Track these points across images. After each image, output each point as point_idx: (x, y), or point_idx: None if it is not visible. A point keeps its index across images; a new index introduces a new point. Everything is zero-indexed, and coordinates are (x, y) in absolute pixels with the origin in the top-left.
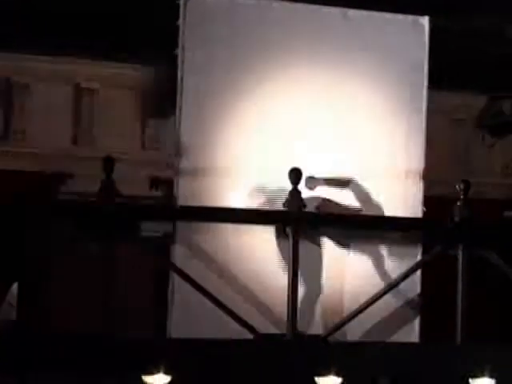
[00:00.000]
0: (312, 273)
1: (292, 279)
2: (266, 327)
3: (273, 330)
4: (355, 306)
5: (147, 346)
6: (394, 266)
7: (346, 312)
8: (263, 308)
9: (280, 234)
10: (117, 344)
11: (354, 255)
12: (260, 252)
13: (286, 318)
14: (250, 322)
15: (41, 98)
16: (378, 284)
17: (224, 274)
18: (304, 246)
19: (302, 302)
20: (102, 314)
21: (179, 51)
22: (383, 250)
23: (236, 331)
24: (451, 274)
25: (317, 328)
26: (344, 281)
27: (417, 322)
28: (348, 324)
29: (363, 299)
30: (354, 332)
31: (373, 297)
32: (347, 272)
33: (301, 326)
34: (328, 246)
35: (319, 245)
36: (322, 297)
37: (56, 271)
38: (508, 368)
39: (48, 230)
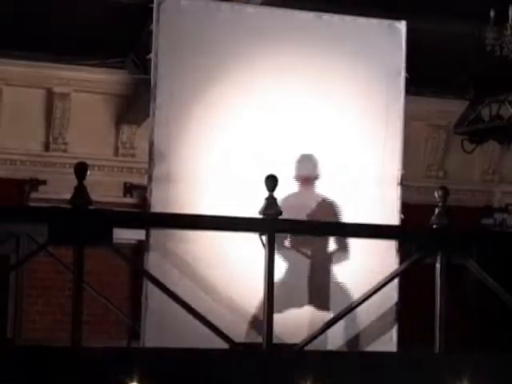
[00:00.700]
0: (296, 280)
1: (268, 288)
2: (244, 335)
3: (251, 339)
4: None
5: (120, 355)
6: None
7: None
8: (241, 316)
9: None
10: (87, 354)
11: (338, 263)
12: (235, 259)
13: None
14: (228, 330)
15: (13, 103)
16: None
17: (199, 281)
18: (288, 254)
19: (286, 311)
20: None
21: (152, 56)
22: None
23: (212, 340)
24: (429, 282)
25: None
26: (330, 290)
27: (394, 331)
28: (327, 334)
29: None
30: (334, 342)
31: (348, 306)
32: (332, 281)
33: (286, 335)
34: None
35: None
36: (306, 306)
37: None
38: (487, 377)
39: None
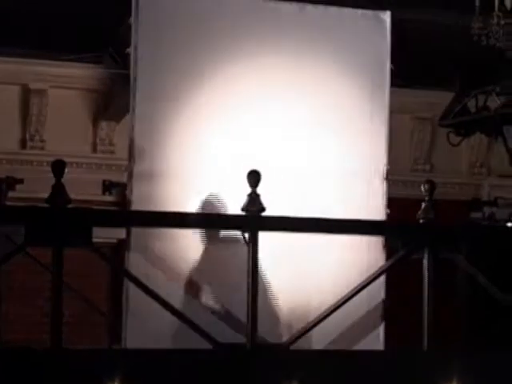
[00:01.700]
0: (279, 279)
1: (252, 286)
2: (228, 336)
3: (236, 339)
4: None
5: (101, 356)
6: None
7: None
8: (225, 316)
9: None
10: (67, 356)
11: (321, 259)
12: (220, 258)
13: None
14: (211, 330)
15: None
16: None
17: (182, 281)
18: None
19: (267, 310)
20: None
21: (132, 50)
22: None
23: (195, 340)
24: (416, 279)
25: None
26: (315, 287)
27: (381, 329)
28: (313, 332)
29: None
30: (318, 341)
31: (335, 304)
32: (318, 277)
33: (269, 335)
34: (295, 250)
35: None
36: (289, 304)
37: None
38: (476, 375)
39: None
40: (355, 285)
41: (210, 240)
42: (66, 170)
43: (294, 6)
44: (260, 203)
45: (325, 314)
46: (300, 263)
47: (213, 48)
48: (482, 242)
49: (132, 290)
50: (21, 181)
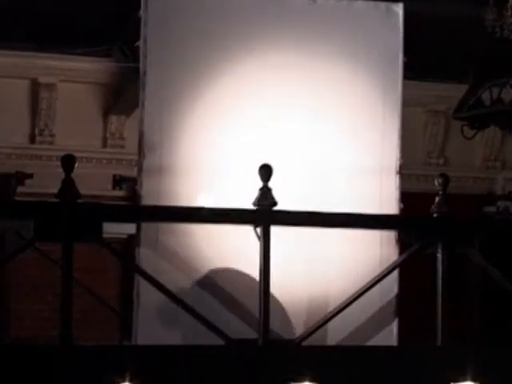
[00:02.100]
0: (293, 274)
1: (264, 282)
2: (242, 332)
3: (250, 335)
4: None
5: (111, 353)
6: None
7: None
8: (237, 311)
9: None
10: (78, 353)
11: (333, 254)
12: (231, 252)
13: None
14: (223, 325)
15: None
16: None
17: (193, 276)
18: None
19: (280, 306)
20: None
21: (141, 43)
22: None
23: (207, 336)
24: (430, 273)
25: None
26: (328, 282)
27: (395, 325)
28: (326, 328)
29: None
30: (331, 336)
31: (348, 299)
32: (331, 273)
33: (283, 330)
34: (307, 244)
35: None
36: (302, 299)
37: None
38: (491, 371)
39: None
40: (368, 280)
41: (222, 235)
42: (76, 165)
43: (305, 0)
44: (272, 197)
45: (338, 309)
46: (312, 258)
47: (224, 43)
48: (496, 236)
49: (143, 285)
50: (30, 176)
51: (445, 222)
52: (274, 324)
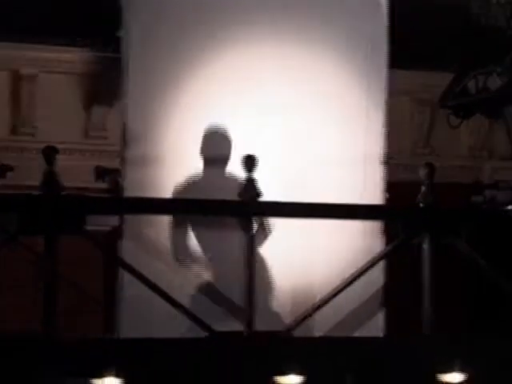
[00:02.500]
0: (277, 264)
1: (249, 273)
2: (228, 325)
3: (234, 327)
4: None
5: (94, 347)
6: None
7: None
8: (223, 304)
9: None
10: (62, 345)
11: (319, 245)
12: (216, 244)
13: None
14: (208, 318)
15: None
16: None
17: (177, 269)
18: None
19: (265, 297)
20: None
21: (123, 32)
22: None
23: (191, 328)
24: (416, 264)
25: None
26: (313, 273)
27: (381, 316)
28: (312, 319)
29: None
30: (318, 327)
31: (333, 290)
32: (316, 263)
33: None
34: (294, 236)
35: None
36: (287, 290)
37: None
38: (479, 361)
39: None
40: (354, 271)
41: (206, 226)
42: (58, 157)
43: None
44: (256, 188)
45: (324, 300)
46: (296, 248)
47: (209, 31)
48: (484, 225)
49: (126, 278)
50: (11, 168)
51: (431, 212)
52: (259, 315)
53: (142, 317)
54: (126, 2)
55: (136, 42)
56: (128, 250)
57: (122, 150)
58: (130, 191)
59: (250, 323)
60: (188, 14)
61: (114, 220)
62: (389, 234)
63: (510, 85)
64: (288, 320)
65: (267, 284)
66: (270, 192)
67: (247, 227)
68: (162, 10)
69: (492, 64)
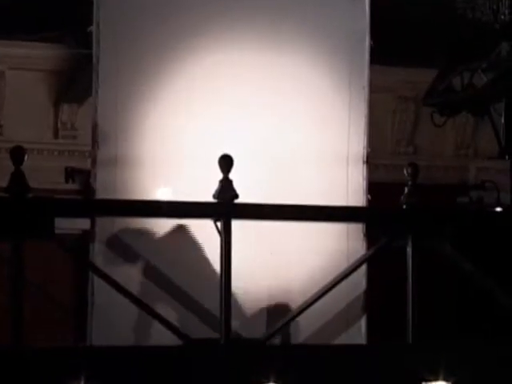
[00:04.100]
0: (253, 270)
1: (225, 278)
2: (202, 332)
3: (210, 335)
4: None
5: (65, 355)
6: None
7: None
8: (197, 311)
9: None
10: (30, 355)
11: (298, 249)
12: (190, 248)
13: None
14: (182, 325)
15: None
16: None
17: (150, 273)
18: (243, 240)
19: (244, 304)
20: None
21: (94, 28)
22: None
23: (165, 336)
24: (400, 268)
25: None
26: (292, 277)
27: (363, 322)
28: (291, 326)
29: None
30: (297, 335)
31: (313, 296)
32: (295, 267)
33: (245, 330)
34: (272, 238)
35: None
36: (265, 296)
37: None
38: (464, 369)
39: None
40: (335, 275)
41: (180, 229)
42: (26, 157)
43: None
44: (233, 190)
45: (303, 306)
46: (274, 252)
47: (182, 29)
48: (470, 228)
49: (97, 283)
50: None
51: (415, 214)
52: (235, 322)
53: (115, 324)
54: None
55: (107, 38)
56: (99, 254)
57: (93, 150)
58: (102, 193)
59: (226, 330)
60: (161, 9)
61: (84, 223)
62: (370, 237)
63: (496, 81)
64: (265, 327)
65: (244, 289)
66: (248, 193)
67: (224, 230)
68: (134, 5)
69: (478, 60)
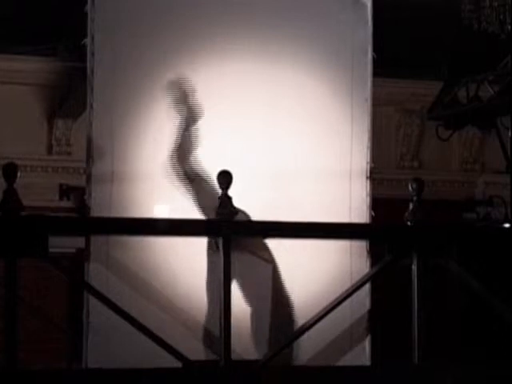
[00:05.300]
0: (254, 289)
1: (224, 298)
2: (199, 353)
3: (208, 356)
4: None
5: (60, 378)
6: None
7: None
8: (196, 331)
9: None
10: (24, 378)
11: (300, 268)
12: (189, 267)
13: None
14: (181, 346)
15: None
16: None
17: (147, 293)
18: (243, 258)
19: (245, 324)
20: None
21: (88, 41)
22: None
23: (164, 358)
24: (405, 287)
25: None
26: (294, 296)
27: (367, 342)
28: (293, 348)
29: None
30: (299, 356)
31: (315, 316)
32: (296, 287)
33: (245, 351)
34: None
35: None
36: (268, 316)
37: None
38: None
39: None
40: (338, 294)
41: (177, 248)
42: (19, 174)
43: None
44: (232, 206)
45: (305, 326)
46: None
47: (182, 42)
48: (477, 245)
49: (92, 303)
50: None
51: (420, 231)
52: (235, 343)
53: (110, 345)
54: (91, 9)
55: (101, 51)
56: (94, 273)
57: (88, 166)
58: (97, 210)
59: (226, 352)
60: (156, 21)
61: (79, 242)
62: (375, 254)
63: (502, 93)
64: (266, 348)
65: (243, 309)
66: (249, 209)
67: (223, 248)
68: (129, 17)
69: (483, 71)
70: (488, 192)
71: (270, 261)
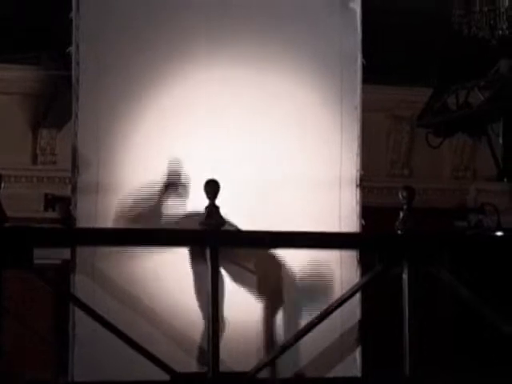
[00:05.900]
0: (242, 299)
1: (212, 308)
2: (187, 365)
3: (195, 368)
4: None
5: None
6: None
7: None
8: (183, 343)
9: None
10: None
11: (289, 277)
12: (175, 279)
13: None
14: (169, 359)
15: None
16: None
17: (134, 305)
18: (231, 269)
19: (233, 336)
20: None
21: (73, 49)
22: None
23: (151, 371)
24: (396, 296)
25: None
26: (282, 307)
27: (358, 353)
28: (282, 359)
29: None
30: (289, 367)
31: (305, 327)
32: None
33: (234, 362)
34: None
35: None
36: (256, 326)
37: None
38: None
39: None
40: (328, 305)
41: (164, 259)
42: (3, 185)
43: None
44: (219, 216)
45: (295, 337)
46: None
47: (169, 51)
48: (468, 253)
49: (79, 315)
50: None
51: (410, 240)
52: (223, 354)
53: (96, 357)
54: (76, 16)
55: (86, 60)
56: (80, 284)
57: (73, 176)
58: (82, 221)
59: (214, 363)
60: (141, 29)
61: (65, 253)
62: (364, 263)
63: (493, 100)
64: (255, 359)
65: (231, 320)
66: (237, 219)
67: (211, 258)
68: (114, 25)
69: (474, 78)
70: (480, 199)
71: (255, 272)
